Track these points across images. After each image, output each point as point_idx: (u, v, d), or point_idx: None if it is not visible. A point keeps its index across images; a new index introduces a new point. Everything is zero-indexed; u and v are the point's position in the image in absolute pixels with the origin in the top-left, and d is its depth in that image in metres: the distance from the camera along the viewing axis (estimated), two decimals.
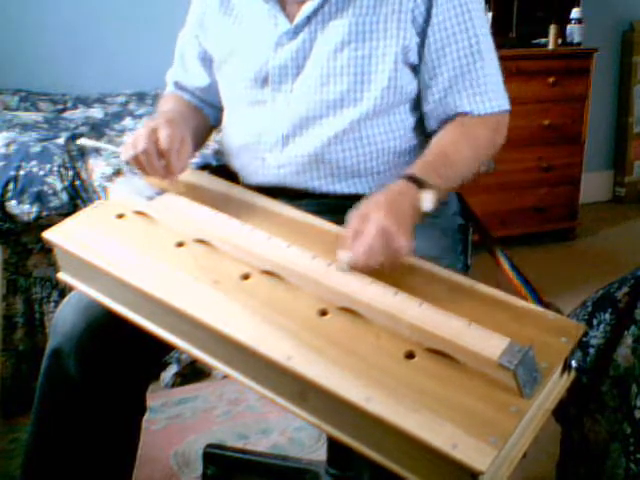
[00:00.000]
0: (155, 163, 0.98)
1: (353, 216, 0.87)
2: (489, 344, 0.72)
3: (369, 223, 0.84)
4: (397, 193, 0.91)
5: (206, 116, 1.27)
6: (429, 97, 1.07)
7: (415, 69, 1.06)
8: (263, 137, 1.11)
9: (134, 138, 0.99)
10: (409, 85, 1.07)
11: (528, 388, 0.70)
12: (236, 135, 1.18)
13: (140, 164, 0.99)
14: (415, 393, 0.70)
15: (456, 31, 1.03)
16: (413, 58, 1.05)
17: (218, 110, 1.26)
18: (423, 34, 1.03)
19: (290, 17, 1.07)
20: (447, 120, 1.07)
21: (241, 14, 1.13)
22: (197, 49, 1.22)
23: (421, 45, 1.04)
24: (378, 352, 0.75)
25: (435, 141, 1.04)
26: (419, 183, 0.93)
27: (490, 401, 0.69)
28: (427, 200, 0.92)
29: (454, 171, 1.00)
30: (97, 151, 1.81)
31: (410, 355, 0.75)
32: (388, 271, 0.85)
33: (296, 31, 1.06)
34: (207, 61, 1.22)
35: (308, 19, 1.06)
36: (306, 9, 1.05)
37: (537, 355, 0.71)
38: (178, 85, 1.28)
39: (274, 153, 1.10)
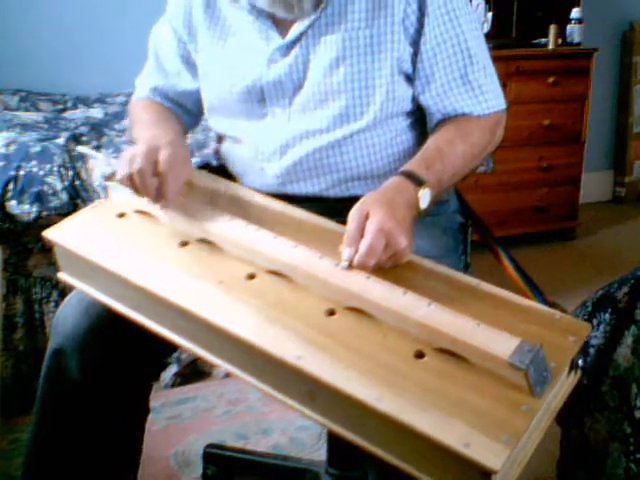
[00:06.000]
0: (148, 185, 0.92)
1: (354, 213, 0.87)
2: (499, 344, 0.72)
3: (370, 223, 0.85)
4: (396, 191, 0.91)
5: (184, 123, 1.23)
6: (425, 103, 1.07)
7: (409, 78, 1.06)
8: (261, 147, 1.10)
9: (131, 155, 0.93)
10: (406, 94, 1.07)
11: (539, 387, 0.70)
12: (233, 145, 1.16)
13: (133, 183, 0.93)
14: (426, 392, 0.70)
15: (446, 38, 1.03)
16: (407, 67, 1.05)
17: (194, 116, 1.24)
18: (415, 44, 1.03)
19: (281, 32, 1.06)
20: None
21: (228, 26, 1.10)
22: (179, 49, 1.17)
23: (414, 55, 1.04)
24: (387, 352, 0.75)
25: (431, 139, 1.04)
26: (416, 180, 0.93)
27: (501, 400, 0.69)
28: (424, 197, 0.93)
29: (449, 167, 1.00)
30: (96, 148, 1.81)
31: (420, 355, 0.75)
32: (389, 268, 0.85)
33: (289, 47, 1.05)
34: (190, 64, 1.17)
35: (300, 34, 1.04)
36: (298, 26, 1.04)
37: (546, 354, 0.71)
38: (157, 91, 1.22)
39: (272, 163, 1.09)
